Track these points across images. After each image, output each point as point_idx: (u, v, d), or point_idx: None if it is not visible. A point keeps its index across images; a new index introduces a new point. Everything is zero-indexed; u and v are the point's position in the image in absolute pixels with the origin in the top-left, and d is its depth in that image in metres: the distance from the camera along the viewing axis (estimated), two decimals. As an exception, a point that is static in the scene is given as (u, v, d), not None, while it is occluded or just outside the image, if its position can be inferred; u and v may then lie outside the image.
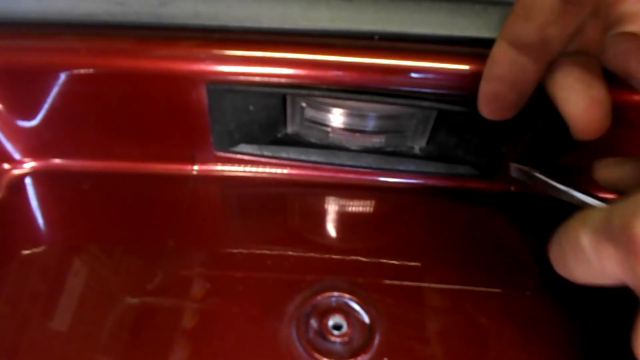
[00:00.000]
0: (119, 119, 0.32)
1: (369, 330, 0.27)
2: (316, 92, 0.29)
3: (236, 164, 0.35)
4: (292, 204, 0.36)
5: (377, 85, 0.28)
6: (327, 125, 0.33)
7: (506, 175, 0.32)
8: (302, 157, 0.34)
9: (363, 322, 0.28)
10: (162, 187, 0.34)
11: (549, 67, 0.24)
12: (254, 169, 0.35)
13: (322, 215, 0.34)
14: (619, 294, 0.19)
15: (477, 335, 0.28)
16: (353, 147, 0.34)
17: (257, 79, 0.28)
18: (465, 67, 0.27)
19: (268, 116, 0.32)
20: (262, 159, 0.34)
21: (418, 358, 0.27)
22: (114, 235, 0.31)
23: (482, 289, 0.30)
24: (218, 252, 0.31)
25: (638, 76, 0.23)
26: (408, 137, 0.33)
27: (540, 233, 0.22)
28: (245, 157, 0.34)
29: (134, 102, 0.30)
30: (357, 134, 0.33)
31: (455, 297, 0.29)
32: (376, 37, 0.28)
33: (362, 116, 0.32)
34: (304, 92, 0.29)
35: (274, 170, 0.35)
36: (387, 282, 0.30)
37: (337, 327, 0.27)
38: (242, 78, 0.28)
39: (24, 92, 0.30)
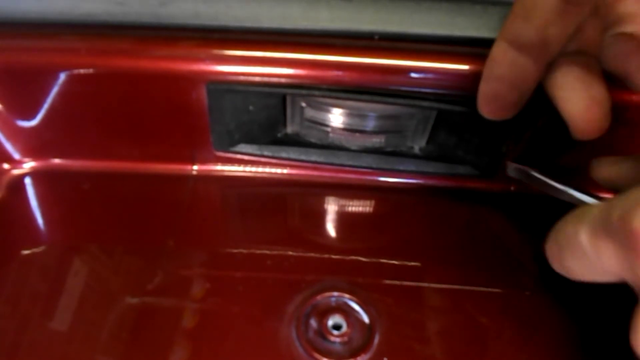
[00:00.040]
0: (119, 119, 0.32)
1: (369, 330, 0.27)
2: (316, 92, 0.29)
3: (236, 164, 0.35)
4: (292, 204, 0.36)
5: (377, 85, 0.28)
6: (327, 125, 0.33)
7: (506, 175, 0.32)
8: (302, 157, 0.34)
9: (363, 322, 0.28)
10: (162, 187, 0.34)
11: (549, 67, 0.24)
12: (254, 169, 0.35)
13: (322, 215, 0.34)
14: (619, 293, 0.19)
15: (477, 335, 0.28)
16: (353, 147, 0.34)
17: (257, 79, 0.28)
18: (465, 67, 0.27)
19: (268, 116, 0.32)
20: (262, 159, 0.34)
21: (418, 358, 0.27)
22: (114, 235, 0.31)
23: (482, 289, 0.30)
24: (218, 252, 0.31)
25: (635, 77, 0.23)
26: (408, 137, 0.34)
27: (540, 233, 0.22)
28: (245, 157, 0.34)
29: (134, 102, 0.30)
30: (357, 134, 0.33)
31: (455, 297, 0.29)
32: (376, 37, 0.28)
33: (362, 116, 0.32)
34: (304, 92, 0.29)
35: (274, 170, 0.35)
36: (387, 282, 0.30)
37: (337, 327, 0.27)
38: (242, 78, 0.28)
39: (24, 92, 0.30)
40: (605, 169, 0.26)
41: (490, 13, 0.28)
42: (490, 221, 0.34)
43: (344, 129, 0.33)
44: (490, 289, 0.30)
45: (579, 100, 0.24)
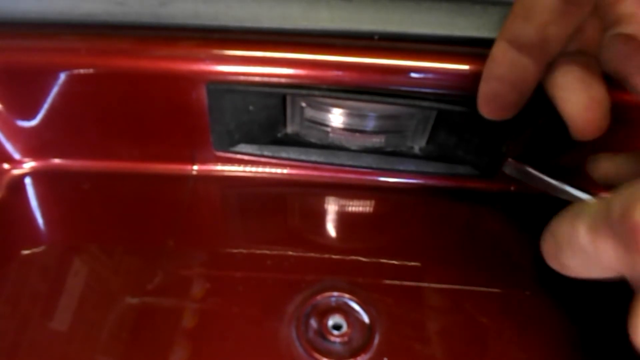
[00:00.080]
0: (119, 119, 0.32)
1: (369, 330, 0.27)
2: (316, 92, 0.29)
3: (236, 164, 0.35)
4: (292, 204, 0.36)
5: (377, 85, 0.28)
6: (327, 125, 0.33)
7: (506, 175, 0.32)
8: (302, 157, 0.34)
9: (363, 322, 0.28)
10: (162, 187, 0.34)
11: (549, 67, 0.24)
12: (254, 169, 0.35)
13: (322, 215, 0.34)
14: (619, 294, 0.19)
15: (477, 335, 0.28)
16: (353, 147, 0.34)
17: (257, 79, 0.28)
18: (465, 67, 0.27)
19: (268, 116, 0.32)
20: (262, 159, 0.34)
21: (418, 358, 0.27)
22: (114, 235, 0.31)
23: (482, 289, 0.30)
24: (218, 252, 0.31)
25: (633, 79, 0.23)
26: (408, 137, 0.34)
27: (540, 233, 0.21)
28: (245, 157, 0.34)
29: (134, 102, 0.30)
30: (357, 134, 0.33)
31: (455, 297, 0.29)
32: (376, 37, 0.28)
33: (362, 116, 0.32)
34: (304, 92, 0.29)
35: (274, 170, 0.35)
36: (387, 282, 0.30)
37: (337, 327, 0.27)
38: (242, 78, 0.28)
39: (24, 92, 0.30)
40: (603, 165, 0.26)
41: (490, 13, 0.28)
42: (490, 221, 0.34)
43: (344, 129, 0.33)
44: (490, 289, 0.30)
45: (578, 101, 0.24)
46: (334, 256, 0.31)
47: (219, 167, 0.35)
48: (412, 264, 0.31)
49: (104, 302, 0.28)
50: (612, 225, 0.17)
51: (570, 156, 0.32)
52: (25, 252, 0.30)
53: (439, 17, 0.28)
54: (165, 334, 0.27)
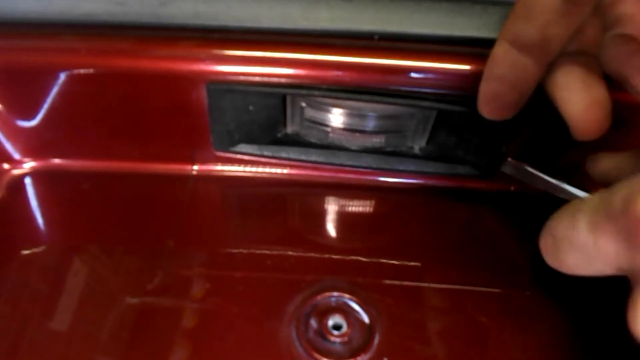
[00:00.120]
0: (119, 119, 0.32)
1: (369, 330, 0.27)
2: (316, 92, 0.29)
3: (236, 164, 0.35)
4: (292, 204, 0.36)
5: (377, 85, 0.28)
6: (327, 125, 0.33)
7: (506, 175, 0.32)
8: (302, 157, 0.34)
9: (363, 322, 0.28)
10: (162, 187, 0.34)
11: (549, 67, 0.24)
12: (254, 169, 0.35)
13: (322, 215, 0.34)
14: (619, 294, 0.19)
15: (477, 335, 0.28)
16: (353, 147, 0.34)
17: (257, 79, 0.28)
18: (465, 67, 0.27)
19: (268, 116, 0.32)
20: (262, 159, 0.34)
21: (418, 358, 0.27)
22: (114, 235, 0.31)
23: (482, 289, 0.30)
24: (218, 252, 0.31)
25: (633, 80, 0.23)
26: (408, 137, 0.33)
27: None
28: (245, 157, 0.34)
29: (134, 102, 0.30)
30: (357, 134, 0.33)
31: (455, 297, 0.29)
32: (376, 37, 0.28)
33: (362, 116, 0.32)
34: (304, 92, 0.29)
35: (274, 170, 0.35)
36: (387, 282, 0.30)
37: (337, 327, 0.27)
38: (242, 78, 0.28)
39: (24, 92, 0.30)
40: (603, 164, 0.26)
41: (490, 13, 0.28)
42: (490, 221, 0.34)
43: (344, 129, 0.33)
44: (490, 289, 0.30)
45: (579, 101, 0.24)
46: (334, 256, 0.31)
47: (219, 167, 0.35)
48: (412, 264, 0.31)
49: (104, 302, 0.28)
50: (613, 218, 0.17)
51: (570, 156, 0.32)
52: (25, 252, 0.30)
53: (439, 17, 0.28)
54: (165, 334, 0.27)
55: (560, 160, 0.33)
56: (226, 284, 0.29)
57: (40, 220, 0.32)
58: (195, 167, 0.35)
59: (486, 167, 0.33)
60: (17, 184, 0.33)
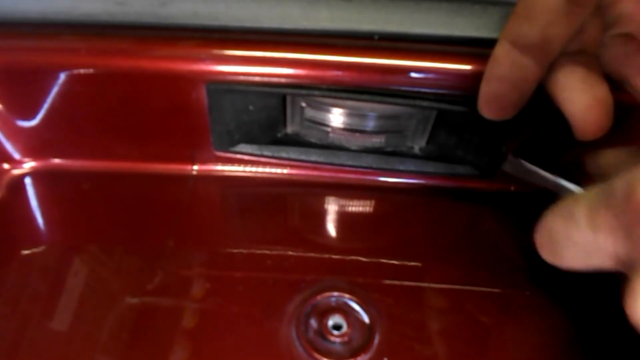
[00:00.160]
0: (119, 119, 0.32)
1: (369, 330, 0.27)
2: (316, 92, 0.29)
3: (236, 164, 0.35)
4: (292, 204, 0.36)
5: (377, 85, 0.28)
6: (327, 125, 0.33)
7: (506, 175, 0.32)
8: (302, 157, 0.34)
9: (363, 322, 0.28)
10: (162, 187, 0.34)
11: (550, 67, 0.24)
12: (254, 169, 0.35)
13: (322, 215, 0.34)
14: (619, 294, 0.19)
15: (477, 335, 0.28)
16: (353, 147, 0.34)
17: (257, 79, 0.28)
18: (465, 67, 0.27)
19: (268, 116, 0.32)
20: (262, 159, 0.34)
21: (418, 358, 0.27)
22: (114, 235, 0.31)
23: (482, 289, 0.30)
24: (218, 252, 0.31)
25: (633, 80, 0.23)
26: (408, 137, 0.33)
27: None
28: (245, 157, 0.34)
29: (134, 102, 0.30)
30: (357, 134, 0.33)
31: (456, 297, 0.29)
32: (376, 37, 0.28)
33: (362, 116, 0.32)
34: (304, 92, 0.29)
35: (274, 170, 0.35)
36: (387, 282, 0.30)
37: (337, 327, 0.27)
38: (242, 78, 0.28)
39: (24, 92, 0.30)
40: (601, 157, 0.26)
41: (490, 13, 0.28)
42: (490, 221, 0.34)
43: (344, 129, 0.33)
44: (490, 289, 0.30)
45: (581, 101, 0.24)
46: (334, 256, 0.31)
47: (219, 167, 0.35)
48: (412, 264, 0.31)
49: (104, 302, 0.28)
50: (613, 207, 0.17)
51: (570, 155, 0.32)
52: (25, 252, 0.30)
53: (439, 17, 0.28)
54: (165, 334, 0.27)
55: (560, 159, 0.33)
56: (226, 284, 0.29)
57: (40, 220, 0.32)
58: (195, 167, 0.35)
59: (486, 167, 0.33)
60: (17, 184, 0.33)
